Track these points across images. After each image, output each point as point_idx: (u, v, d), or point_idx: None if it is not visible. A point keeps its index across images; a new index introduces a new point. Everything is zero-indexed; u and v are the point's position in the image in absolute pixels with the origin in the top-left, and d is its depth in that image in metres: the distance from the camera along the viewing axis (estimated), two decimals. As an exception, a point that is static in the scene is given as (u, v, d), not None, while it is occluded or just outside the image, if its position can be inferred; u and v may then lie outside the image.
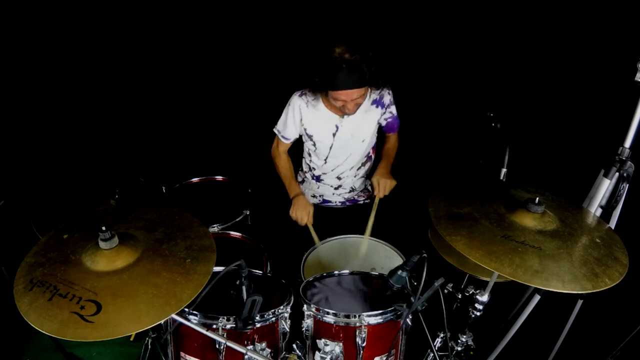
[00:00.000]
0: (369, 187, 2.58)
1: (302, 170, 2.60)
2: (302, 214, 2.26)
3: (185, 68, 3.46)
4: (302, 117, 2.26)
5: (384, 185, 2.26)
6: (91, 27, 3.17)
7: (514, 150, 1.97)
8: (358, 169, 2.44)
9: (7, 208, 2.09)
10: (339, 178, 2.45)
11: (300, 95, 2.24)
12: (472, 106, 2.85)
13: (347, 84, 1.94)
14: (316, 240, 2.22)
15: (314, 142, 2.33)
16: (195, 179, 2.62)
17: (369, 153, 2.44)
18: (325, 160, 2.38)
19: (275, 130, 2.39)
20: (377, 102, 2.26)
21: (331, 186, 2.48)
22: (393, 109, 2.33)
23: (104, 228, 1.33)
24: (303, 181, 2.61)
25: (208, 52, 3.42)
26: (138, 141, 3.51)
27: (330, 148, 2.31)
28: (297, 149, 2.53)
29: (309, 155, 2.45)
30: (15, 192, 2.43)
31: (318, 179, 2.49)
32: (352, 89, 1.95)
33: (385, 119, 2.34)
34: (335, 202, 2.56)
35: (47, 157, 3.22)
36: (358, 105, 2.10)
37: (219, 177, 2.65)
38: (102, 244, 1.34)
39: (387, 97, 2.28)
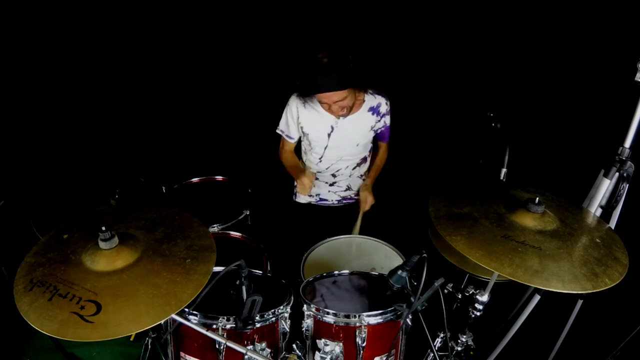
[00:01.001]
0: None
1: None
2: (301, 181, 2.32)
3: (185, 68, 3.46)
4: (299, 115, 2.30)
5: (369, 202, 2.39)
6: (91, 27, 3.17)
7: (514, 150, 1.97)
8: (353, 168, 2.47)
9: (7, 208, 2.09)
10: (334, 175, 2.47)
11: (298, 96, 2.28)
12: (472, 106, 2.85)
13: (326, 87, 2.00)
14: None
15: (310, 142, 2.36)
16: (195, 179, 2.62)
17: (364, 156, 2.46)
18: (320, 159, 2.41)
19: (278, 132, 2.43)
20: (374, 110, 2.29)
21: (326, 183, 2.51)
22: (387, 119, 2.36)
23: (104, 228, 1.33)
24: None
25: (208, 53, 3.42)
26: (138, 141, 3.52)
27: (325, 148, 2.35)
28: (297, 149, 2.54)
29: (305, 154, 2.49)
30: (15, 192, 2.44)
31: None
32: (330, 91, 2.00)
33: (379, 128, 2.36)
34: (332, 200, 2.57)
35: (47, 157, 3.23)
36: (345, 108, 2.12)
37: (219, 177, 2.65)
38: (102, 244, 1.34)
39: (384, 107, 2.31)
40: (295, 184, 2.62)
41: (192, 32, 3.33)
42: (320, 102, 2.13)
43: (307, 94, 2.15)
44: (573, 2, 2.52)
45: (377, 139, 2.48)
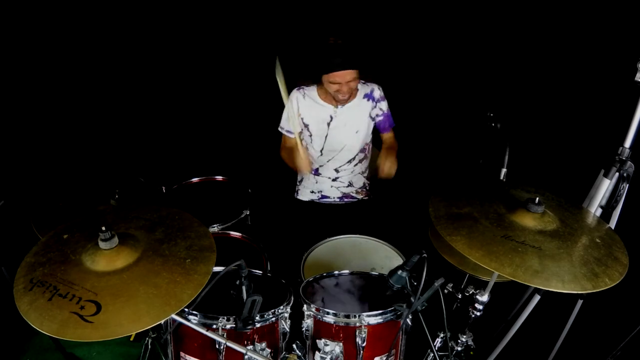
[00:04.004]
0: (367, 186, 2.63)
1: None
2: (299, 154, 2.22)
3: (185, 68, 3.47)
4: (299, 107, 2.38)
5: (391, 166, 2.22)
6: (91, 27, 3.18)
7: (514, 150, 1.98)
8: (355, 165, 2.48)
9: (7, 208, 2.09)
10: (336, 171, 2.50)
11: (298, 89, 2.39)
12: (472, 106, 2.85)
13: (342, 65, 2.11)
14: (284, 96, 2.20)
15: (310, 133, 2.42)
16: (195, 179, 2.62)
17: (364, 148, 2.48)
18: (321, 151, 2.45)
19: (280, 129, 2.48)
20: (368, 96, 2.39)
21: (329, 178, 2.52)
22: (383, 105, 2.42)
23: (104, 228, 1.33)
24: (302, 179, 2.63)
25: (208, 53, 3.42)
26: (138, 141, 3.52)
27: (325, 138, 2.40)
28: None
29: (306, 149, 2.48)
30: (15, 192, 2.44)
31: (316, 172, 2.54)
32: (346, 69, 2.11)
33: (376, 115, 2.42)
34: (334, 197, 2.58)
35: (47, 157, 3.23)
36: (352, 91, 2.23)
37: (219, 177, 2.65)
38: (102, 244, 1.34)
39: (377, 92, 2.40)
40: (298, 180, 2.63)
41: (192, 31, 3.33)
42: (332, 83, 2.17)
43: (320, 73, 2.21)
44: (573, 2, 2.52)
45: (380, 132, 2.49)
